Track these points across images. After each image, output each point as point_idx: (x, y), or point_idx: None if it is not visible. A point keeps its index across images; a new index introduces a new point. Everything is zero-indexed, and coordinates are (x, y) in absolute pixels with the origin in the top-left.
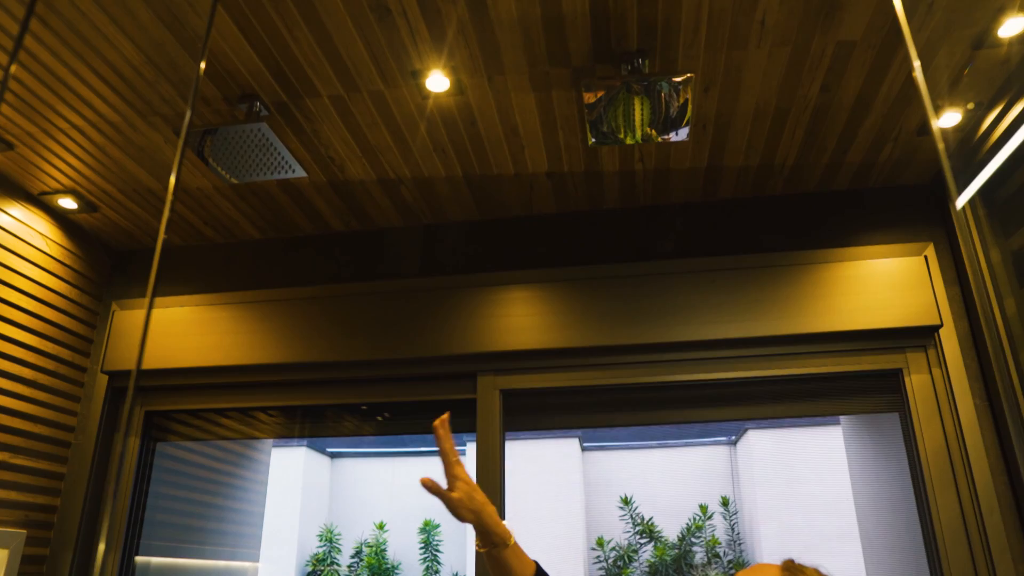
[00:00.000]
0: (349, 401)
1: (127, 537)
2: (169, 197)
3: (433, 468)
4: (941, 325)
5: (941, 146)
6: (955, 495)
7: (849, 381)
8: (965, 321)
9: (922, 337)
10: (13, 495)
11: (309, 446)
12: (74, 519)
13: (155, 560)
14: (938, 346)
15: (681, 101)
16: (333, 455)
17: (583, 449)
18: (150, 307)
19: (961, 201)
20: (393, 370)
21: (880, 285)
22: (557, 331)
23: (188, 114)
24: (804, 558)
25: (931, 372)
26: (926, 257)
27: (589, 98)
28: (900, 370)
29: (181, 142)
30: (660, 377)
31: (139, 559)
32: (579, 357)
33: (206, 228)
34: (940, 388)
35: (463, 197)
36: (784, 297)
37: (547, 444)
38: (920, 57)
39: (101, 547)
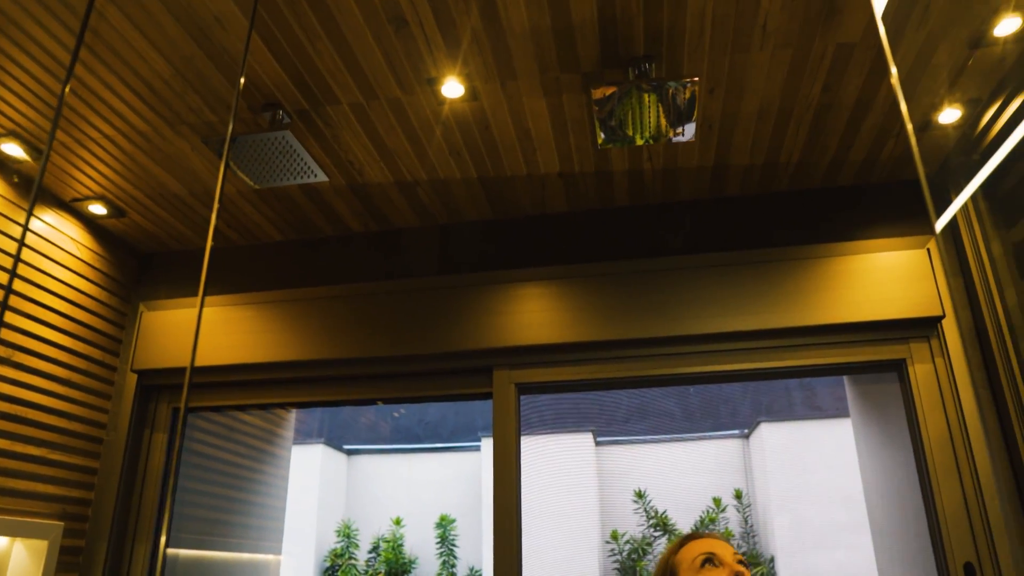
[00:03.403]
0: (370, 396)
1: (156, 530)
2: (215, 212)
3: (448, 463)
4: (944, 316)
5: (914, 141)
6: (958, 482)
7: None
8: (967, 312)
9: (925, 328)
10: (51, 489)
11: (326, 443)
12: (107, 512)
13: (183, 552)
14: (941, 337)
15: (687, 100)
16: (350, 452)
17: (597, 443)
18: (201, 307)
19: (962, 197)
20: (412, 366)
21: (884, 278)
22: (570, 326)
23: (229, 131)
24: (817, 550)
25: (934, 362)
26: (928, 250)
27: (599, 94)
28: (904, 360)
29: (224, 162)
30: (670, 370)
31: (168, 551)
32: (592, 351)
33: (230, 231)
34: (943, 378)
35: (478, 198)
36: (791, 290)
37: (561, 439)
38: (919, 55)
39: (153, 539)
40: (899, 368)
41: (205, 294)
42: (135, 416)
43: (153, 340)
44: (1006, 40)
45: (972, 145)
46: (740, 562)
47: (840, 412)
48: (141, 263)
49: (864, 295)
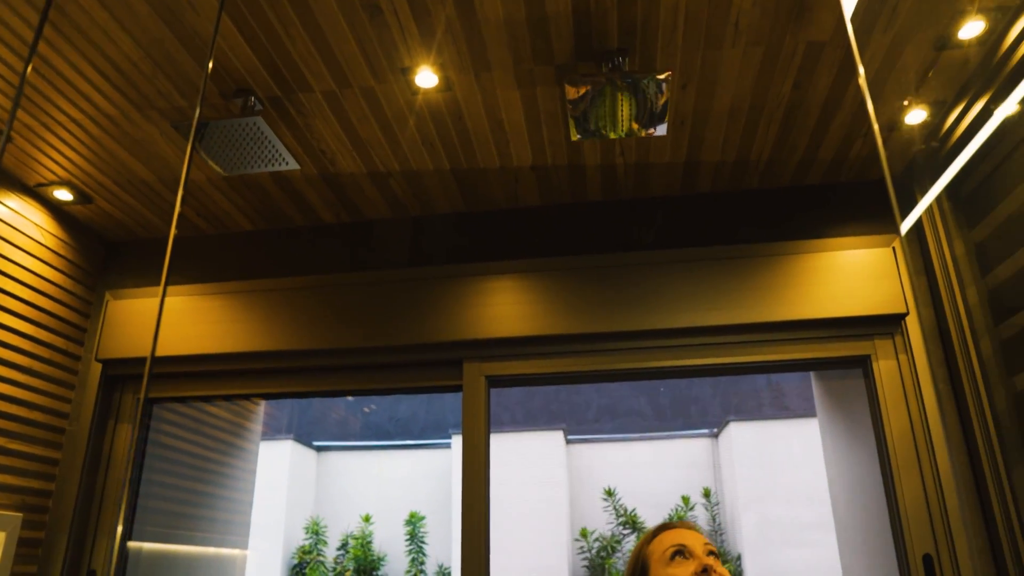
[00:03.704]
0: (339, 388)
1: (120, 523)
2: (179, 198)
3: (418, 461)
4: (907, 313)
5: (880, 142)
6: (919, 475)
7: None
8: (930, 310)
9: (889, 325)
10: (10, 479)
11: (296, 439)
12: (68, 504)
13: (147, 546)
14: (904, 334)
15: (661, 99)
16: (319, 448)
17: (568, 442)
18: (163, 296)
19: (927, 199)
20: (382, 357)
21: (850, 275)
22: (541, 319)
23: (196, 115)
24: (783, 548)
25: (898, 359)
26: (894, 248)
27: (572, 93)
28: (868, 357)
29: (189, 145)
30: (640, 364)
31: (131, 544)
32: (562, 344)
33: (199, 219)
34: (906, 374)
35: (450, 190)
36: (760, 286)
37: (532, 437)
38: (886, 57)
39: (117, 533)
40: (864, 364)
41: (172, 283)
42: (99, 406)
43: (119, 329)
44: (970, 43)
45: (937, 146)
46: (711, 553)
47: (807, 412)
48: (108, 251)
49: (830, 292)
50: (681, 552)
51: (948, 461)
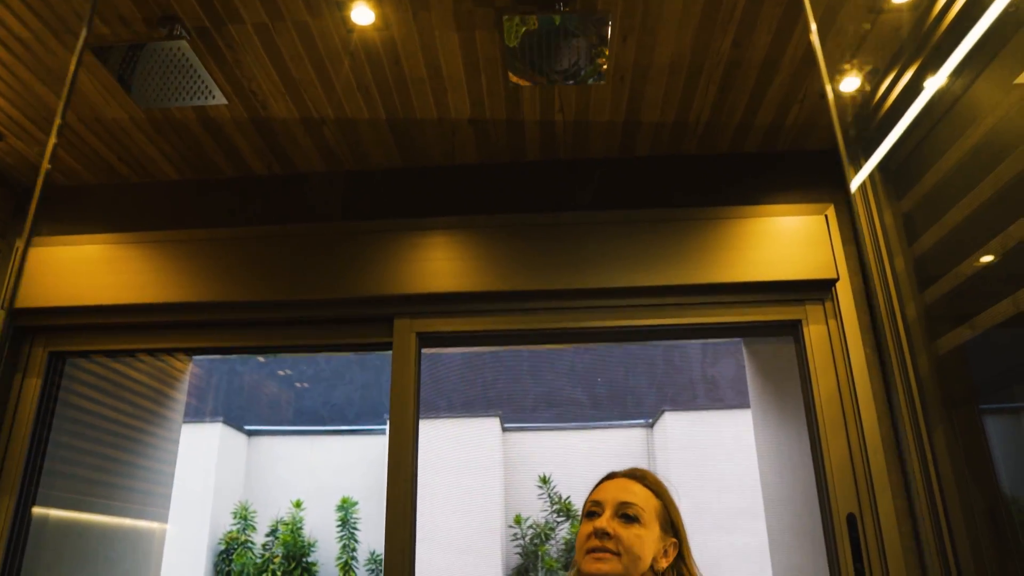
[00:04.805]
0: (264, 344)
1: (23, 484)
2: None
3: (352, 447)
4: (838, 279)
5: (831, 92)
6: (845, 437)
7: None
8: (859, 278)
9: (820, 291)
10: None
11: (226, 423)
12: None
13: (54, 512)
14: (835, 300)
15: (600, 46)
16: (251, 433)
17: (504, 429)
18: (28, 235)
19: (863, 174)
20: (311, 312)
21: (784, 241)
22: (476, 275)
23: (89, 16)
24: (715, 533)
25: (827, 324)
26: (827, 216)
27: (509, 31)
28: (800, 322)
29: (79, 50)
30: (574, 323)
31: (36, 510)
32: (496, 301)
33: (121, 165)
34: (835, 339)
35: (386, 142)
36: (695, 249)
37: (468, 423)
38: (821, 22)
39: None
40: (795, 329)
41: (91, 231)
42: (6, 359)
43: (30, 278)
44: (902, 8)
45: (870, 115)
46: (624, 515)
47: (741, 404)
48: (19, 197)
49: (764, 256)
50: (594, 510)
51: (875, 422)
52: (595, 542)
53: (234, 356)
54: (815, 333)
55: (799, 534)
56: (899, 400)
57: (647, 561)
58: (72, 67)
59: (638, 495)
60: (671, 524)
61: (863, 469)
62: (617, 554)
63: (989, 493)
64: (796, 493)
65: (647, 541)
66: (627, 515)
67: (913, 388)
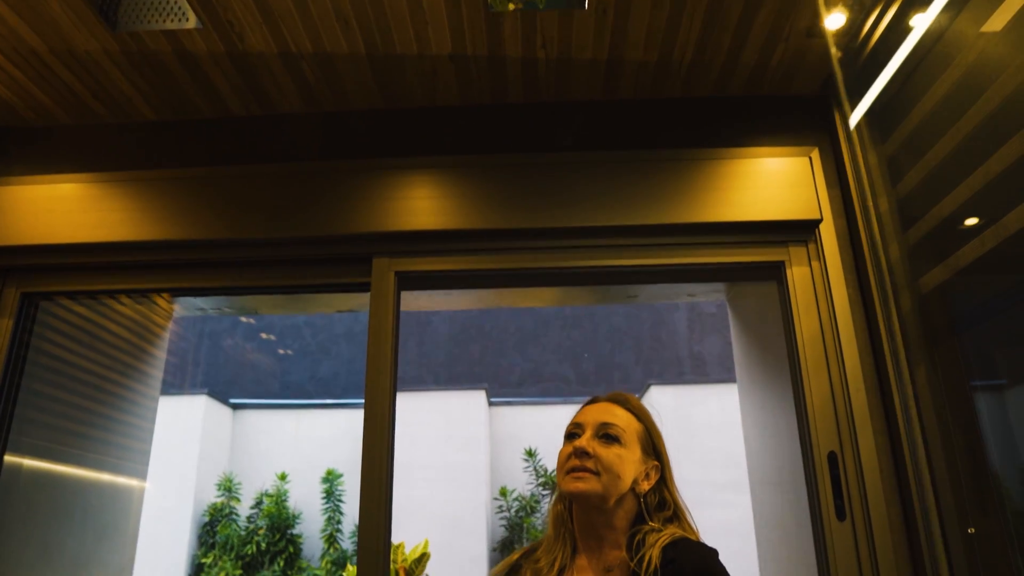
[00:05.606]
0: (242, 284)
1: None
2: None
3: (338, 420)
4: (821, 220)
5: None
6: (827, 376)
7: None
8: (843, 219)
9: (804, 232)
10: None
11: (210, 395)
12: None
13: (27, 462)
14: (818, 241)
15: None
16: (236, 406)
17: (490, 404)
18: None
19: (856, 116)
20: (288, 251)
21: (769, 182)
22: (456, 214)
23: None
24: (699, 507)
25: (811, 265)
26: (811, 159)
27: None
28: (783, 263)
29: None
30: (555, 263)
31: (9, 458)
32: (477, 240)
33: (96, 103)
34: (818, 280)
35: (366, 81)
36: (678, 190)
37: (454, 396)
38: None
39: None
40: (778, 271)
41: (66, 171)
42: None
43: (0, 217)
44: None
45: (855, 53)
46: (605, 435)
47: (727, 378)
48: None
49: (748, 197)
50: (575, 432)
51: (857, 362)
52: (575, 461)
53: (215, 315)
54: (798, 275)
55: (784, 508)
56: (881, 338)
57: (627, 482)
58: None
59: (619, 417)
60: (653, 447)
61: (844, 407)
62: (596, 473)
63: (969, 429)
64: (782, 467)
65: (627, 461)
66: (608, 435)
67: (895, 326)
